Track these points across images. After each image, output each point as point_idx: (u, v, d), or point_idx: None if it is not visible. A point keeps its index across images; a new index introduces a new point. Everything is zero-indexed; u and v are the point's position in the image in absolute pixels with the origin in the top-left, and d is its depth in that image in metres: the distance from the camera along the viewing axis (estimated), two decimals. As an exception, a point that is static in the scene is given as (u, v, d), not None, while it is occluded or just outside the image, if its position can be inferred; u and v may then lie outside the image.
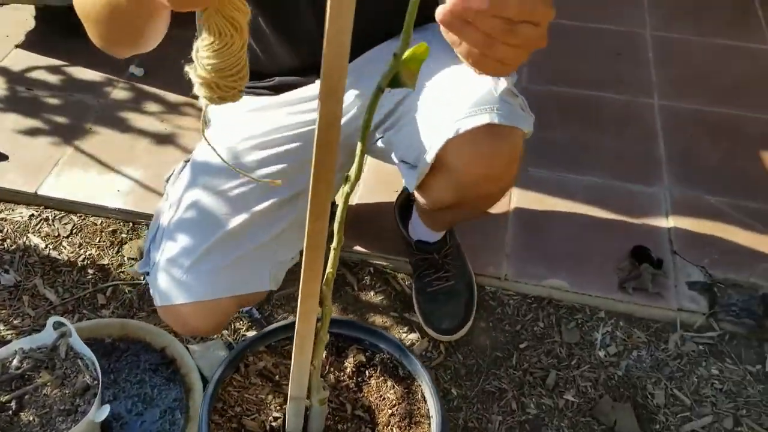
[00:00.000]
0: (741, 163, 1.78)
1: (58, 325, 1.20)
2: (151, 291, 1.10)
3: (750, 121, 1.90)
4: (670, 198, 1.67)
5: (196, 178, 1.10)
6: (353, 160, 0.85)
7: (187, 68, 0.74)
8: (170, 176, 1.17)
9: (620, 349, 1.40)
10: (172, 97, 1.87)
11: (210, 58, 0.67)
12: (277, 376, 1.01)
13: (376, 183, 1.64)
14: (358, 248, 1.51)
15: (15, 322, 1.40)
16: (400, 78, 0.68)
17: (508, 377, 1.34)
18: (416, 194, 1.12)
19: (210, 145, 0.72)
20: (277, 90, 1.15)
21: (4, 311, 1.42)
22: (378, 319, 1.43)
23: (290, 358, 1.03)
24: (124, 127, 1.78)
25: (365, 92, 1.12)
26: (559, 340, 1.41)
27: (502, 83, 0.97)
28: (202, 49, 0.68)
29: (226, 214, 1.05)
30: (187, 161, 1.15)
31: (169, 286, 1.05)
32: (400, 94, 1.04)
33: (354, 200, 1.58)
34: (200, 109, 1.85)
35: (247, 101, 1.17)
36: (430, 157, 0.96)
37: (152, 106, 1.85)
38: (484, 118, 0.91)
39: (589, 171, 1.72)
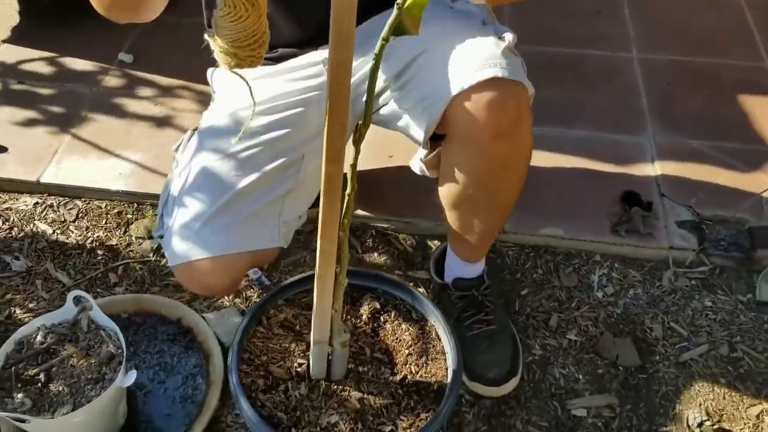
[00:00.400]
0: (718, 108, 1.84)
1: (77, 301, 1.24)
2: (166, 253, 1.14)
3: (724, 68, 1.96)
4: (654, 145, 1.73)
5: (203, 143, 1.14)
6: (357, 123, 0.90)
7: (206, 36, 0.76)
8: (179, 145, 1.21)
9: (617, 289, 1.47)
10: (164, 80, 1.90)
11: (226, 29, 0.69)
12: (297, 326, 1.06)
13: (370, 149, 1.69)
14: (359, 212, 1.56)
15: (30, 305, 1.44)
16: (404, 26, 0.72)
17: (512, 322, 1.40)
18: (439, 195, 1.12)
19: (242, 78, 0.75)
20: (277, 61, 1.19)
21: (18, 296, 1.45)
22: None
23: (308, 309, 1.08)
24: (120, 113, 1.81)
25: (367, 60, 1.15)
26: (558, 284, 1.47)
27: (503, 42, 1.02)
28: (219, 19, 0.69)
29: (236, 175, 1.09)
30: (195, 130, 1.19)
31: (184, 245, 1.09)
32: (407, 54, 1.05)
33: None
34: (194, 91, 1.88)
35: (249, 70, 1.21)
36: (438, 110, 0.99)
37: (145, 91, 1.88)
38: (489, 72, 0.95)
39: (576, 125, 1.77)
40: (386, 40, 0.73)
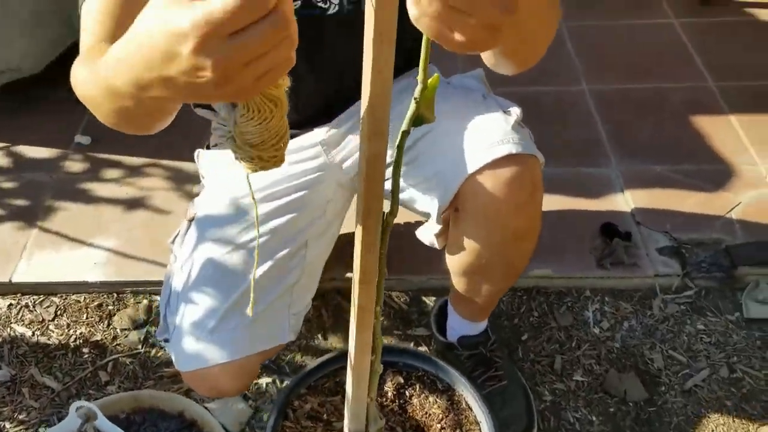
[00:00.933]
0: (673, 131, 1.92)
1: (82, 413, 1.18)
2: (173, 357, 1.10)
3: (671, 91, 2.05)
4: (620, 174, 1.79)
5: (204, 234, 1.11)
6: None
7: (226, 140, 0.73)
8: (175, 238, 1.18)
9: (612, 323, 1.50)
10: (126, 159, 1.86)
11: (250, 133, 0.65)
12: (325, 415, 1.04)
13: (350, 209, 1.68)
14: (348, 274, 1.55)
15: (21, 417, 1.37)
16: (422, 116, 0.73)
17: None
18: (447, 261, 1.12)
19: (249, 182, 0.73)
20: (269, 141, 1.18)
21: (6, 408, 1.38)
22: (384, 340, 1.47)
23: (333, 395, 1.06)
24: (86, 198, 1.76)
25: None
26: (555, 325, 1.49)
27: (512, 117, 1.04)
28: (242, 123, 0.65)
29: (244, 265, 1.07)
30: (191, 220, 1.16)
31: (196, 349, 1.06)
32: (414, 132, 1.06)
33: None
34: (160, 167, 1.82)
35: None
36: (453, 187, 1.00)
37: (108, 173, 1.83)
38: (503, 149, 0.97)
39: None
40: (407, 132, 0.73)
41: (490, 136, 0.99)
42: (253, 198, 0.71)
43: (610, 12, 2.37)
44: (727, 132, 1.90)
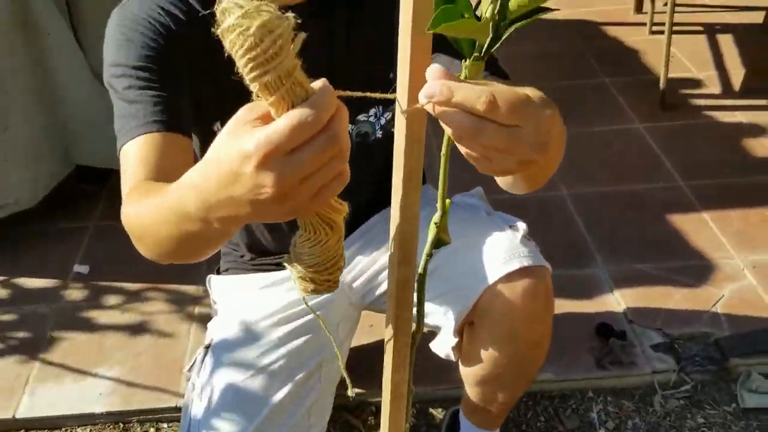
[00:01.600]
0: (652, 230, 2.01)
1: None
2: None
3: (646, 193, 2.16)
4: (608, 274, 1.86)
5: (221, 360, 1.14)
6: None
7: (284, 261, 0.76)
8: (192, 366, 1.20)
9: (617, 423, 1.52)
10: (126, 286, 1.89)
11: (305, 254, 0.67)
12: None
13: (360, 326, 1.71)
14: (355, 389, 1.56)
15: None
16: (441, 239, 0.80)
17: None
18: (461, 372, 1.16)
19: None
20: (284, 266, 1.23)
21: None
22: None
23: None
24: (87, 328, 1.77)
25: (374, 253, 1.21)
26: (562, 429, 1.51)
27: (519, 232, 1.11)
28: (299, 244, 0.68)
29: (265, 389, 1.09)
30: (207, 347, 1.18)
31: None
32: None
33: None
34: (160, 291, 1.85)
35: (257, 278, 1.24)
36: (470, 302, 1.05)
37: (108, 300, 1.85)
38: (516, 264, 1.04)
39: (532, 267, 1.89)
40: (430, 255, 0.79)
41: (501, 251, 1.06)
42: (309, 305, 0.75)
43: (578, 120, 2.52)
44: (702, 228, 2.00)
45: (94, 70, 2.13)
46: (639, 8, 3.24)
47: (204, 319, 1.75)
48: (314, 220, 0.65)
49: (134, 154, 0.91)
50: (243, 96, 1.00)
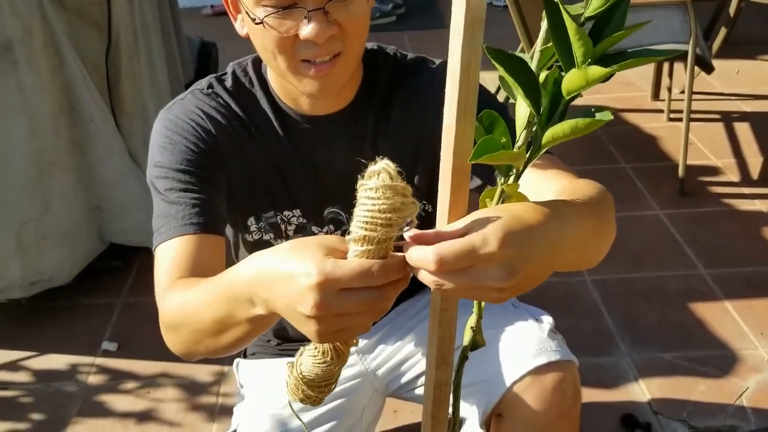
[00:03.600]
0: (674, 318, 2.02)
1: None
2: None
3: (668, 280, 2.18)
4: (632, 363, 1.86)
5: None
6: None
7: (287, 365, 0.82)
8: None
9: None
10: (152, 366, 1.90)
11: (305, 367, 0.73)
12: None
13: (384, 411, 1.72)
14: (379, 478, 1.56)
15: None
16: (476, 341, 0.83)
17: None
18: None
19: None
20: (310, 353, 1.25)
21: None
22: None
23: None
24: (113, 409, 1.78)
25: (398, 342, 1.24)
26: None
27: (546, 325, 1.14)
28: (305, 357, 0.74)
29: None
30: (234, 432, 1.20)
31: None
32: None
33: None
34: (185, 371, 1.87)
35: (282, 364, 1.26)
36: (497, 395, 1.07)
37: (136, 381, 1.87)
38: (544, 358, 1.06)
39: (556, 354, 1.89)
40: (466, 357, 0.82)
41: (528, 345, 1.08)
42: (294, 411, 0.78)
43: (599, 205, 2.56)
44: (725, 318, 2.01)
45: (130, 152, 2.22)
46: (656, 95, 3.32)
47: (230, 401, 1.76)
48: (327, 345, 0.72)
49: (172, 253, 0.97)
50: (271, 194, 1.08)
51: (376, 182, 0.60)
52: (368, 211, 0.61)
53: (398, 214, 0.61)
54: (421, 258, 0.59)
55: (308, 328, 0.66)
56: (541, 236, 0.61)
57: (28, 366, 1.93)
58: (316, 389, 0.75)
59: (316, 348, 0.73)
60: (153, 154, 1.05)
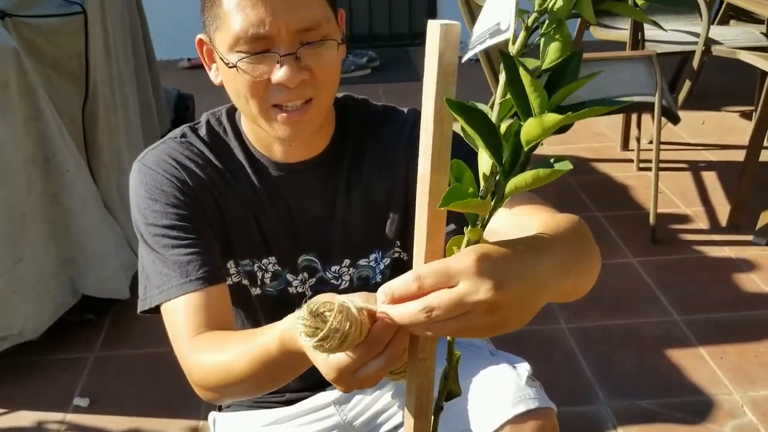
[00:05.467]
0: (650, 364, 2.03)
1: None
2: None
3: (643, 326, 2.20)
4: (611, 412, 1.86)
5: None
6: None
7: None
8: None
9: None
10: (125, 421, 1.86)
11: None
12: None
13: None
14: None
15: None
16: (452, 391, 0.83)
17: None
18: None
19: None
20: (286, 404, 1.24)
21: None
22: None
23: None
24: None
25: (376, 392, 1.23)
26: None
27: (522, 372, 1.14)
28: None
29: None
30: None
31: None
32: None
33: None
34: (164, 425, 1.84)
35: (259, 416, 1.25)
36: None
37: (107, 436, 1.83)
38: (523, 406, 1.06)
39: (534, 402, 1.89)
40: (441, 407, 0.82)
41: (507, 393, 1.08)
42: None
43: (573, 253, 2.59)
44: (700, 363, 2.03)
45: (106, 203, 2.21)
46: (625, 145, 3.40)
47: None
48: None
49: (182, 313, 0.99)
50: (248, 242, 1.10)
51: (310, 344, 0.65)
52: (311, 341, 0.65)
53: (331, 338, 0.64)
54: (414, 317, 0.62)
55: (332, 379, 0.71)
56: (521, 259, 0.63)
57: (-5, 424, 1.88)
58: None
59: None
60: (137, 210, 1.05)
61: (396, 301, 0.63)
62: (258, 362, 0.86)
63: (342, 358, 0.66)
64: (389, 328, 0.65)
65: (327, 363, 0.68)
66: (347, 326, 0.65)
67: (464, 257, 0.60)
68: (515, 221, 0.96)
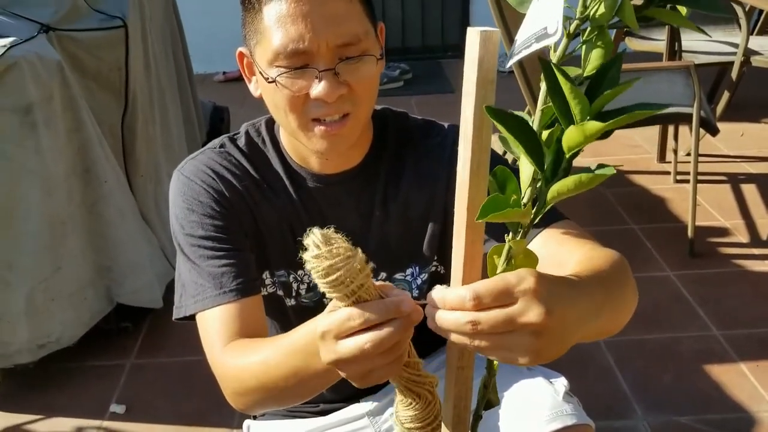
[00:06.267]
0: (689, 380, 1.99)
1: None
2: None
3: (681, 341, 2.15)
4: (649, 426, 1.83)
5: None
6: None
7: (392, 417, 0.83)
8: None
9: None
10: (160, 428, 1.88)
11: (401, 414, 0.76)
12: None
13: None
14: None
15: None
16: (490, 399, 0.82)
17: None
18: None
19: None
20: (320, 414, 1.24)
21: None
22: None
23: None
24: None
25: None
26: None
27: (559, 387, 1.12)
28: (397, 404, 0.76)
29: None
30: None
31: None
32: None
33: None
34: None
35: (294, 425, 1.25)
36: None
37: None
38: (559, 423, 1.04)
39: (569, 417, 1.86)
40: (480, 416, 0.81)
41: (544, 409, 1.06)
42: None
43: (609, 266, 2.55)
44: (741, 380, 1.98)
45: (143, 214, 2.25)
46: (662, 157, 3.35)
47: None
48: (401, 387, 0.75)
49: (217, 323, 1.00)
50: (284, 253, 1.11)
51: (306, 257, 0.64)
52: (318, 280, 0.64)
53: (339, 273, 0.63)
54: (456, 320, 0.62)
55: (349, 372, 0.71)
56: (567, 294, 0.64)
57: (35, 430, 1.91)
58: (421, 430, 0.77)
59: (398, 393, 0.76)
60: (176, 219, 1.06)
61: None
62: (292, 355, 0.85)
63: (342, 312, 0.66)
64: (399, 305, 0.65)
65: (328, 314, 0.68)
66: (356, 266, 0.64)
67: (525, 279, 0.61)
68: (554, 251, 0.96)
